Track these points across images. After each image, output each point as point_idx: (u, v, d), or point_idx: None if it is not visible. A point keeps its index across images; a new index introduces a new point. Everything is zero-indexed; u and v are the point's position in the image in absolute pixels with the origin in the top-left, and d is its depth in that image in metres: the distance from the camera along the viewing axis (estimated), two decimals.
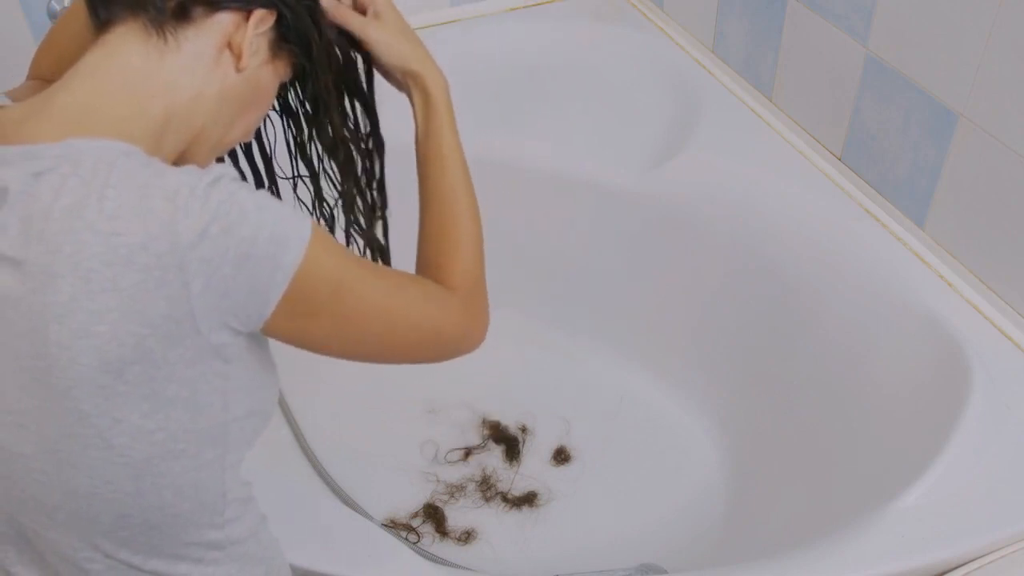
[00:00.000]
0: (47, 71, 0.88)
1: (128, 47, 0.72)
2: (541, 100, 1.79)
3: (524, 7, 1.94)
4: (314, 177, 0.95)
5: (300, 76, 0.85)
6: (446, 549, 1.52)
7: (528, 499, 1.59)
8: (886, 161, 1.40)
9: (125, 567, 0.76)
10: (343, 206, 0.96)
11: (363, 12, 0.89)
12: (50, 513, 0.72)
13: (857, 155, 1.46)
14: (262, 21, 0.75)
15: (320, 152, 0.93)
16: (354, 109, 0.91)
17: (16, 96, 0.79)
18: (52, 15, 1.60)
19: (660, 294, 1.71)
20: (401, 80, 0.91)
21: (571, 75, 1.82)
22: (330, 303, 0.72)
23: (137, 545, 0.75)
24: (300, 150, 0.93)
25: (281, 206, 0.69)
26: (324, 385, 1.77)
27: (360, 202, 0.96)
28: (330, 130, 0.89)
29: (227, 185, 0.66)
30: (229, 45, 0.75)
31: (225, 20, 0.74)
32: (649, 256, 1.69)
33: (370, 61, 0.90)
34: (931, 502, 1.08)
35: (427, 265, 0.87)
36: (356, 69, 0.89)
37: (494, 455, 1.66)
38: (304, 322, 0.71)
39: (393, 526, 1.54)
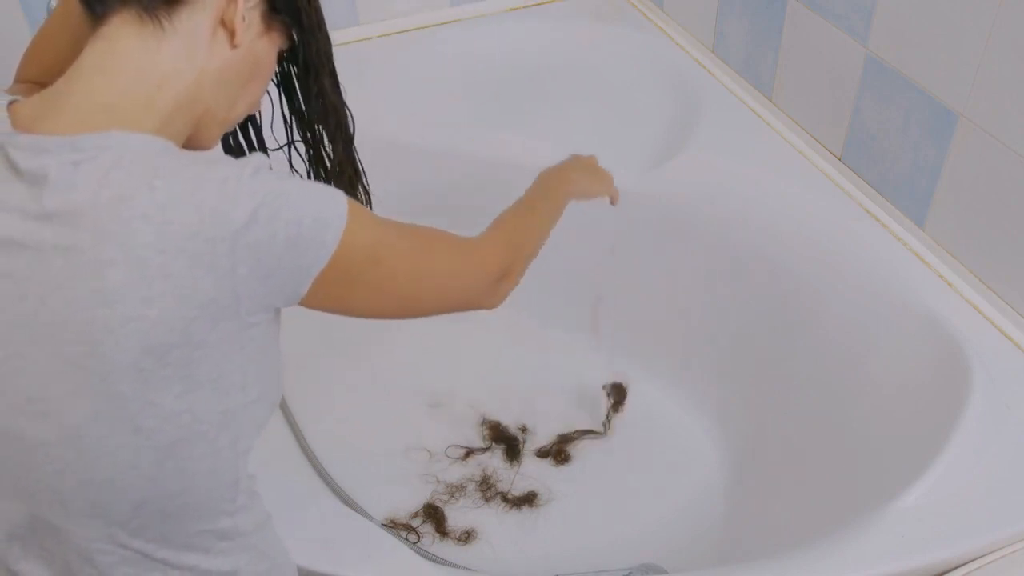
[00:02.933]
0: (37, 74, 0.89)
1: (126, 39, 0.73)
2: (541, 100, 1.79)
3: (524, 7, 1.94)
4: (311, 143, 0.97)
5: (292, 44, 0.86)
6: (446, 549, 1.52)
7: (528, 499, 1.59)
8: (886, 161, 1.40)
9: (137, 556, 0.77)
10: (334, 172, 0.98)
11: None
12: (65, 503, 0.73)
13: (857, 155, 1.46)
14: None
15: (305, 120, 0.95)
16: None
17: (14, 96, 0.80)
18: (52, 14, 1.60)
19: (660, 294, 1.71)
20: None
21: (571, 75, 1.82)
22: (366, 272, 0.76)
23: (150, 534, 0.76)
24: (296, 117, 0.95)
25: (318, 187, 0.73)
26: (324, 385, 1.77)
27: (350, 168, 0.99)
28: (320, 96, 0.91)
29: (267, 174, 0.70)
30: (223, 22, 0.76)
31: None
32: (649, 256, 1.69)
33: None
34: (931, 502, 1.07)
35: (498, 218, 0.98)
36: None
37: (494, 455, 1.66)
38: (342, 291, 0.75)
39: (393, 526, 1.54)
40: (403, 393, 1.75)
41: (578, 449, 1.67)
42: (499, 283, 0.91)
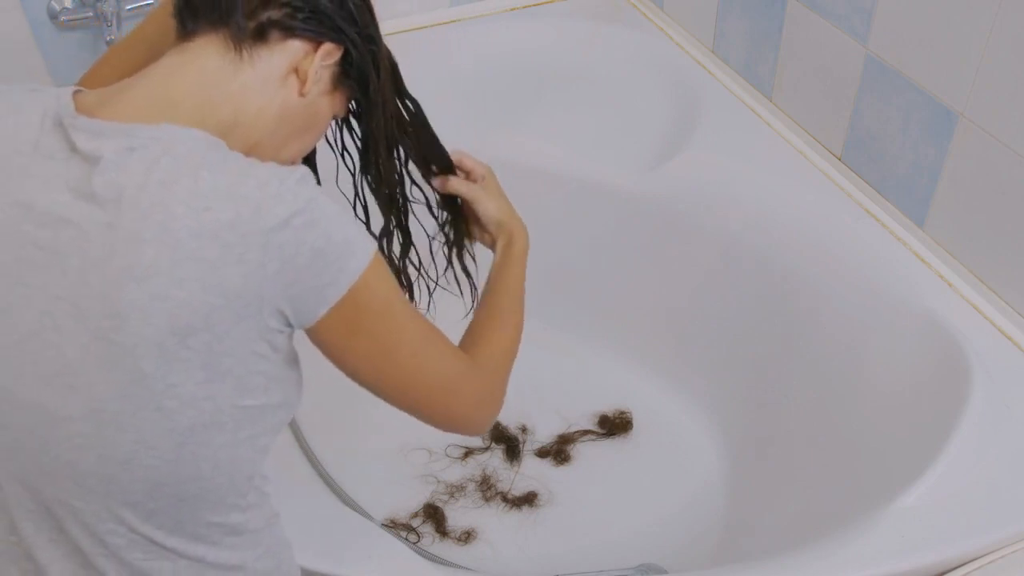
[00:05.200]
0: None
1: (206, 57, 0.78)
2: (541, 100, 1.79)
3: (524, 7, 1.94)
4: (363, 209, 1.01)
5: (348, 113, 0.91)
6: (446, 549, 1.52)
7: (528, 499, 1.59)
8: (886, 161, 1.40)
9: (146, 542, 0.78)
10: (382, 239, 1.02)
11: (472, 179, 1.06)
12: (80, 480, 0.74)
13: (857, 155, 1.46)
14: (329, 54, 0.82)
15: (365, 186, 0.99)
16: (398, 153, 0.98)
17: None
18: (52, 15, 1.60)
19: (660, 294, 1.71)
20: (493, 231, 1.06)
21: (571, 75, 1.82)
22: (376, 323, 0.77)
23: (162, 519, 0.77)
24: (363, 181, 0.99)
25: (353, 219, 0.76)
26: (324, 385, 1.76)
27: (400, 238, 1.03)
28: (376, 168, 0.95)
29: (313, 185, 0.73)
30: (296, 71, 0.81)
31: (296, 47, 0.80)
32: (649, 256, 1.69)
33: (464, 217, 1.08)
34: (931, 502, 1.08)
35: (468, 336, 0.96)
36: (403, 118, 0.96)
37: (494, 455, 1.66)
38: (348, 335, 0.77)
39: (393, 526, 1.54)
40: None
41: (578, 449, 1.67)
42: (485, 401, 0.89)
